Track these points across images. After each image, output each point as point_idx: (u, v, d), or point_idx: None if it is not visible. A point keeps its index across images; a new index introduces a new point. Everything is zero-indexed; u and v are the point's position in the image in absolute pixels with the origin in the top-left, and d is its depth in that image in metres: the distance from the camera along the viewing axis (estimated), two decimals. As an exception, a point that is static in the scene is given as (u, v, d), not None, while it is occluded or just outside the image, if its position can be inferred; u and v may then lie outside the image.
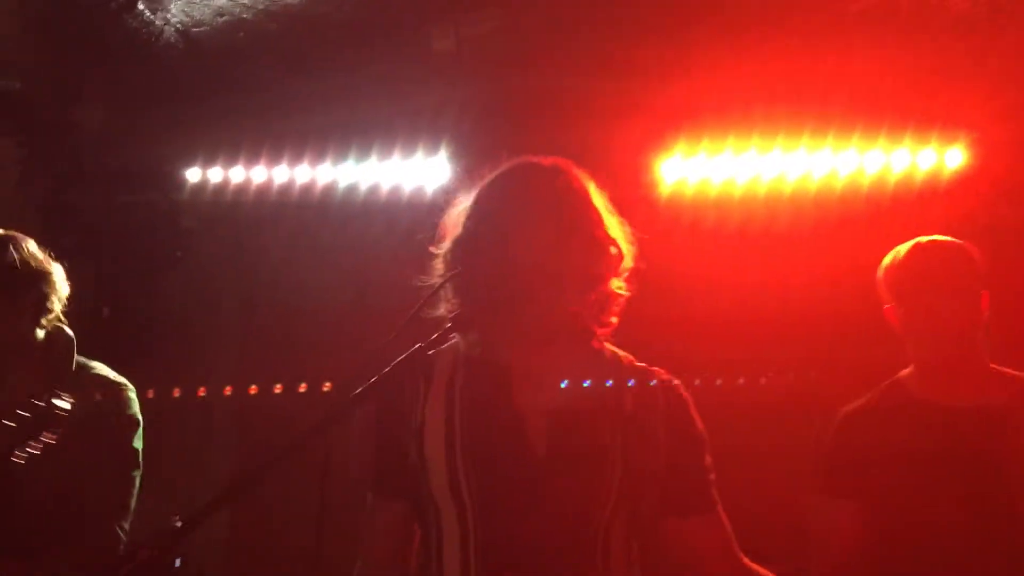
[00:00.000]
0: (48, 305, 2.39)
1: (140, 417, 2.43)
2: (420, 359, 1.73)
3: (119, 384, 2.44)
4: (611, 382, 1.78)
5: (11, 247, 2.37)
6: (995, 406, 2.32)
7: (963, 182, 3.85)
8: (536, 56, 3.76)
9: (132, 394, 2.44)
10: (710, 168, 4.01)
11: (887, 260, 2.45)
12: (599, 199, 1.82)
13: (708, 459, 1.82)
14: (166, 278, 4.35)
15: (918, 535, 2.25)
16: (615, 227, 1.82)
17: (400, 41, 3.70)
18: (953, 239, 2.40)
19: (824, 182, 3.94)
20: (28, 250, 2.40)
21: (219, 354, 4.41)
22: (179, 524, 1.40)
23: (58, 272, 2.43)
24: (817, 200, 3.93)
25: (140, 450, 2.41)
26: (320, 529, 1.68)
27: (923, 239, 2.41)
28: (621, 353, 1.85)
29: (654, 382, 1.81)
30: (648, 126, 3.97)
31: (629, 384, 1.79)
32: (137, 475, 2.40)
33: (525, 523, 1.67)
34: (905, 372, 2.45)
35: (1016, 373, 2.40)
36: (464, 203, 1.83)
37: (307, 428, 1.52)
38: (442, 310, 1.79)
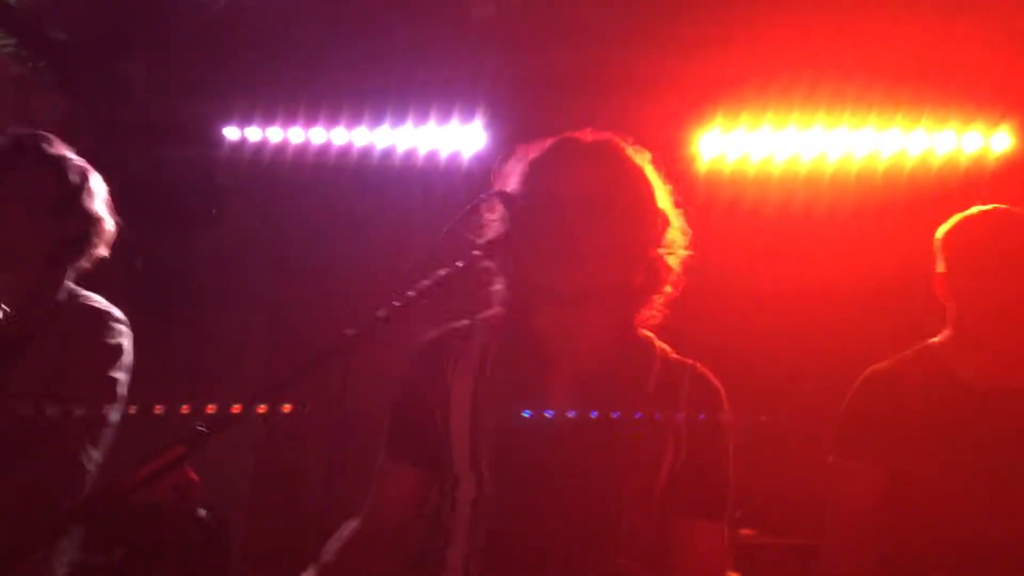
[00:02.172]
0: (85, 248, 2.34)
1: (125, 348, 2.30)
2: (457, 328, 1.77)
3: (102, 311, 2.32)
4: (639, 365, 1.77)
5: (79, 176, 2.33)
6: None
7: (1010, 167, 3.77)
8: (574, 27, 3.72)
9: (117, 324, 2.31)
10: (749, 144, 3.95)
11: (949, 223, 2.32)
12: (650, 172, 1.79)
13: (730, 465, 1.77)
14: (200, 234, 4.38)
15: (934, 509, 2.20)
16: (665, 200, 1.80)
17: (439, 5, 3.67)
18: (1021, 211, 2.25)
19: (866, 163, 3.87)
20: (95, 188, 2.35)
21: (249, 315, 4.45)
22: (203, 429, 1.38)
23: (109, 225, 2.37)
24: (859, 181, 3.87)
25: (120, 381, 2.27)
26: (331, 474, 1.67)
27: (993, 206, 2.28)
28: (657, 341, 1.83)
29: (686, 371, 1.78)
30: (686, 99, 3.93)
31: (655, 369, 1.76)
32: (113, 406, 2.26)
33: (540, 498, 1.67)
34: (937, 340, 2.35)
35: None
36: (509, 177, 1.80)
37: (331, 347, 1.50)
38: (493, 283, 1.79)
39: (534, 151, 1.80)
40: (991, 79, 3.67)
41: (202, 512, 3.43)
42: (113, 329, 2.30)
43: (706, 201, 3.85)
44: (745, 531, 3.62)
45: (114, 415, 2.28)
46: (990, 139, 3.80)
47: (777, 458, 3.61)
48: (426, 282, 1.56)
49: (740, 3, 3.43)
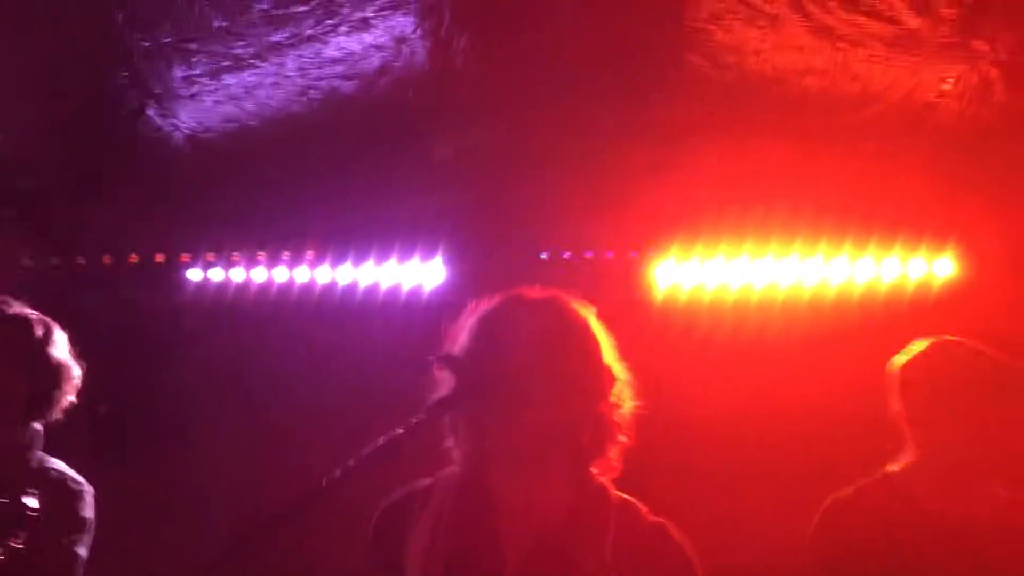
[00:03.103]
0: (58, 399, 2.39)
1: (91, 520, 2.37)
2: (418, 488, 1.80)
3: (77, 484, 2.39)
4: (595, 518, 1.75)
5: (43, 330, 2.38)
6: (995, 523, 2.28)
7: (953, 293, 3.90)
8: (532, 163, 3.86)
9: (89, 496, 2.39)
10: (703, 273, 4.07)
11: (903, 355, 2.40)
12: (596, 327, 1.84)
13: None
14: (164, 376, 4.36)
15: None
16: (610, 354, 1.83)
17: (400, 149, 3.81)
18: (975, 343, 2.33)
19: (816, 290, 3.99)
20: (58, 340, 2.41)
21: (216, 453, 4.38)
22: None
23: (76, 373, 2.43)
24: (811, 307, 3.97)
25: (82, 556, 2.34)
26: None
27: (945, 337, 2.36)
28: (612, 489, 1.82)
29: (646, 532, 1.76)
30: (643, 229, 4.04)
31: (613, 522, 1.75)
32: (80, 547, 2.33)
33: None
34: (897, 468, 2.40)
35: (1003, 492, 2.36)
36: (460, 334, 1.83)
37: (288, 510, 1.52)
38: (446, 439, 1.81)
39: (482, 307, 1.84)
40: (933, 209, 3.84)
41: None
42: (86, 503, 2.36)
43: (661, 328, 3.93)
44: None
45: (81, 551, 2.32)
46: (933, 265, 3.95)
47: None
48: (380, 441, 1.58)
49: (695, 135, 3.58)
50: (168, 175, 3.97)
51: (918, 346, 2.39)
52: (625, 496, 1.82)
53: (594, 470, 1.80)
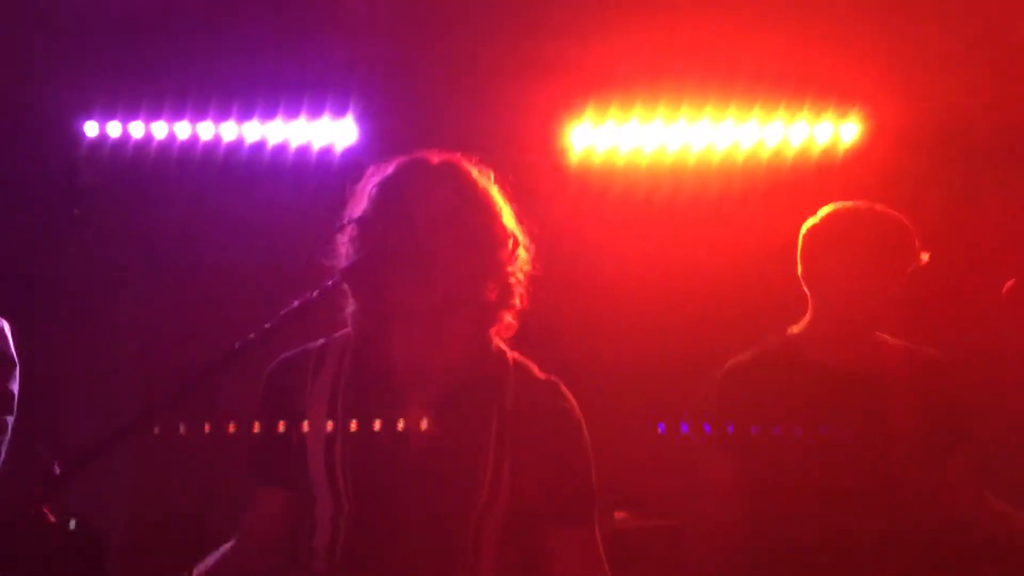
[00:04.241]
0: None
1: (15, 357, 2.33)
2: (311, 348, 1.80)
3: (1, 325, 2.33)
4: (494, 378, 1.80)
5: None
6: (880, 372, 2.42)
7: (858, 155, 4.01)
8: (447, 16, 3.73)
9: (6, 329, 2.34)
10: (618, 136, 4.07)
11: (809, 221, 2.48)
12: (495, 192, 1.85)
13: (592, 472, 1.82)
14: (63, 237, 4.20)
15: (798, 491, 2.34)
16: (510, 219, 1.85)
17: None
18: (883, 208, 2.41)
19: (727, 153, 4.05)
20: None
21: (123, 317, 4.29)
22: (58, 470, 1.38)
23: None
24: (721, 171, 4.04)
25: (15, 393, 2.31)
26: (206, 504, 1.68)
27: (848, 203, 2.44)
28: (510, 351, 1.87)
29: (540, 388, 1.83)
30: (558, 91, 4.00)
31: (512, 382, 1.80)
32: (9, 419, 2.29)
33: (398, 515, 1.70)
34: (795, 329, 2.51)
35: (896, 341, 2.51)
36: (360, 199, 1.82)
37: (192, 381, 1.52)
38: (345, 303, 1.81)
39: (384, 171, 1.82)
40: (839, 73, 3.89)
41: (72, 524, 3.31)
42: (7, 341, 2.31)
43: (577, 191, 3.95)
44: (618, 514, 3.74)
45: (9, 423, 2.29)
46: (839, 129, 4.03)
47: (648, 442, 3.74)
48: (282, 312, 1.59)
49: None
50: (58, 20, 3.70)
51: (823, 211, 2.48)
52: (518, 356, 1.87)
53: (493, 331, 1.84)
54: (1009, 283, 1.88)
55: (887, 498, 2.32)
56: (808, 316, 2.49)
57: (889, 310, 2.41)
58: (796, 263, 2.50)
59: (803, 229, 2.50)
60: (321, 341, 1.85)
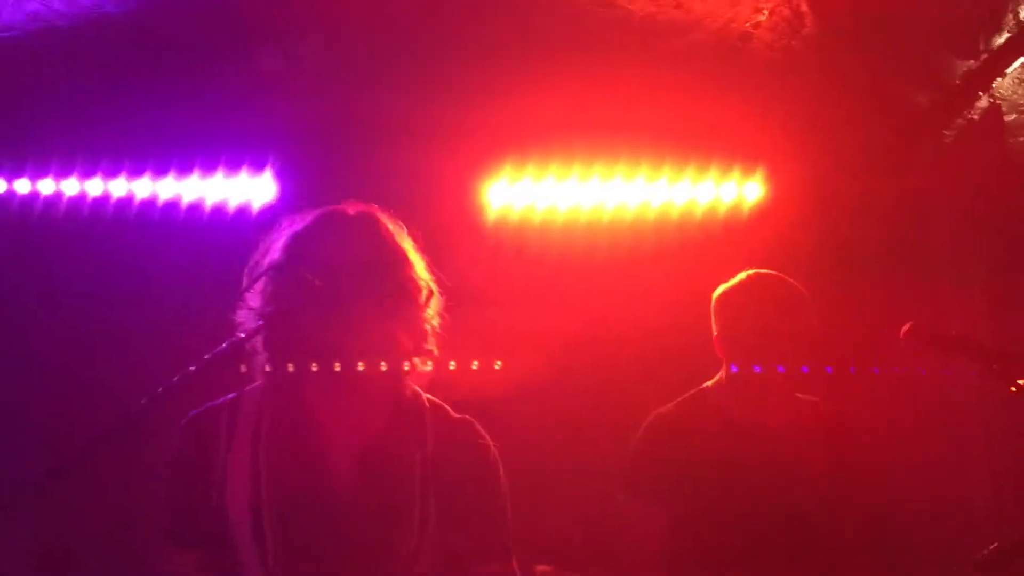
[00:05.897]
0: None
1: None
2: (221, 403, 1.80)
3: None
4: (412, 422, 1.84)
5: None
6: (788, 425, 2.56)
7: (761, 214, 4.18)
8: (363, 77, 3.78)
9: None
10: (535, 194, 4.16)
11: (721, 288, 2.68)
12: (409, 243, 1.90)
13: (507, 509, 1.87)
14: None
15: (713, 535, 2.44)
16: (423, 269, 1.90)
17: (226, 58, 3.64)
18: (786, 277, 2.62)
19: (639, 212, 4.17)
20: None
21: (25, 376, 4.15)
22: None
23: None
24: (633, 228, 4.15)
25: None
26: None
27: (754, 272, 2.65)
28: (426, 396, 1.91)
29: (457, 428, 1.88)
30: (475, 150, 4.08)
31: (430, 428, 1.84)
32: None
33: (327, 565, 1.70)
34: (711, 384, 2.66)
35: (806, 397, 2.66)
36: (274, 250, 1.85)
37: (102, 435, 1.51)
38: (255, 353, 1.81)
39: (300, 222, 1.86)
40: (743, 135, 4.07)
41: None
42: None
43: (494, 248, 4.01)
44: (542, 568, 3.73)
45: None
46: (743, 188, 4.21)
47: (571, 496, 3.77)
48: (191, 368, 1.58)
49: (526, 58, 3.61)
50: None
51: (736, 278, 2.67)
52: (432, 398, 1.91)
53: (407, 379, 1.87)
54: (905, 327, 2.03)
55: (793, 548, 2.44)
56: (722, 372, 2.64)
57: (796, 367, 2.57)
58: (708, 319, 2.65)
59: (716, 293, 2.66)
60: (231, 395, 1.84)
